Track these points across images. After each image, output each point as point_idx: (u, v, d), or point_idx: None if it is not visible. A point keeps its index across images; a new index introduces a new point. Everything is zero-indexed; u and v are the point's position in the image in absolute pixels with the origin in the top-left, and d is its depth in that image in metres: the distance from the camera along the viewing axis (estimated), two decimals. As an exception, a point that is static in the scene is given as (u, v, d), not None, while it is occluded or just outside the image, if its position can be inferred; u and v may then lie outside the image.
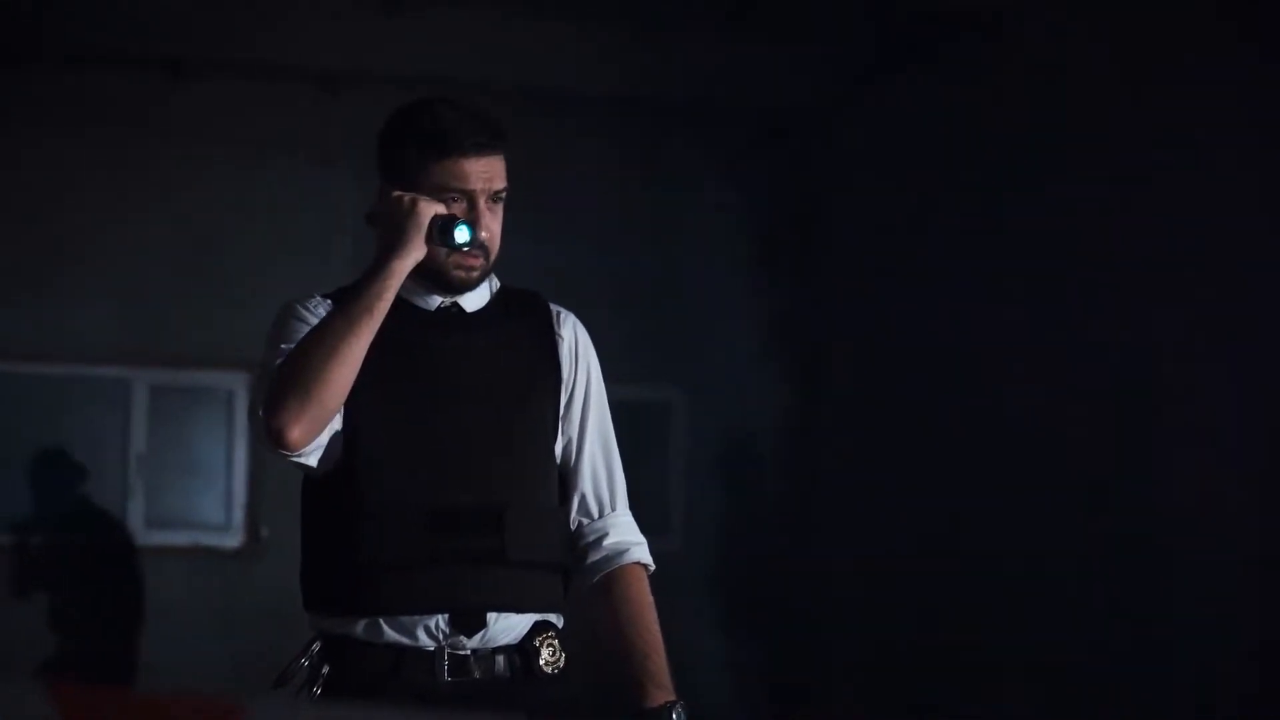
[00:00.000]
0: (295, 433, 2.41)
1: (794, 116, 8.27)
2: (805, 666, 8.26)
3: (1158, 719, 5.79)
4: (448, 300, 2.62)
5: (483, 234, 2.55)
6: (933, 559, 7.27)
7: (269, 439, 2.43)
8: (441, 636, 2.52)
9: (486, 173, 2.54)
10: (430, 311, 2.62)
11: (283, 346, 2.52)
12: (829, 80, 7.86)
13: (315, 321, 2.54)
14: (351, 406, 2.52)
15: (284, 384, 2.42)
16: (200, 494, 8.24)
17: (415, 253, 2.49)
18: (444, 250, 2.54)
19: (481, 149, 2.54)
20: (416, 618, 2.51)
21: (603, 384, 2.72)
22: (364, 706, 2.12)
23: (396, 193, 2.52)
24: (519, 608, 2.55)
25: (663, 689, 2.59)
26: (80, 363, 8.15)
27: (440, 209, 2.51)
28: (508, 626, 2.55)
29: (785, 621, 8.31)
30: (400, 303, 2.55)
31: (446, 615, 2.51)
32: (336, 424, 2.53)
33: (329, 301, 2.60)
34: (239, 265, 7.95)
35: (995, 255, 6.92)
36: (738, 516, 8.45)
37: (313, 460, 2.51)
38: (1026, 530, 6.60)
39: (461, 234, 2.51)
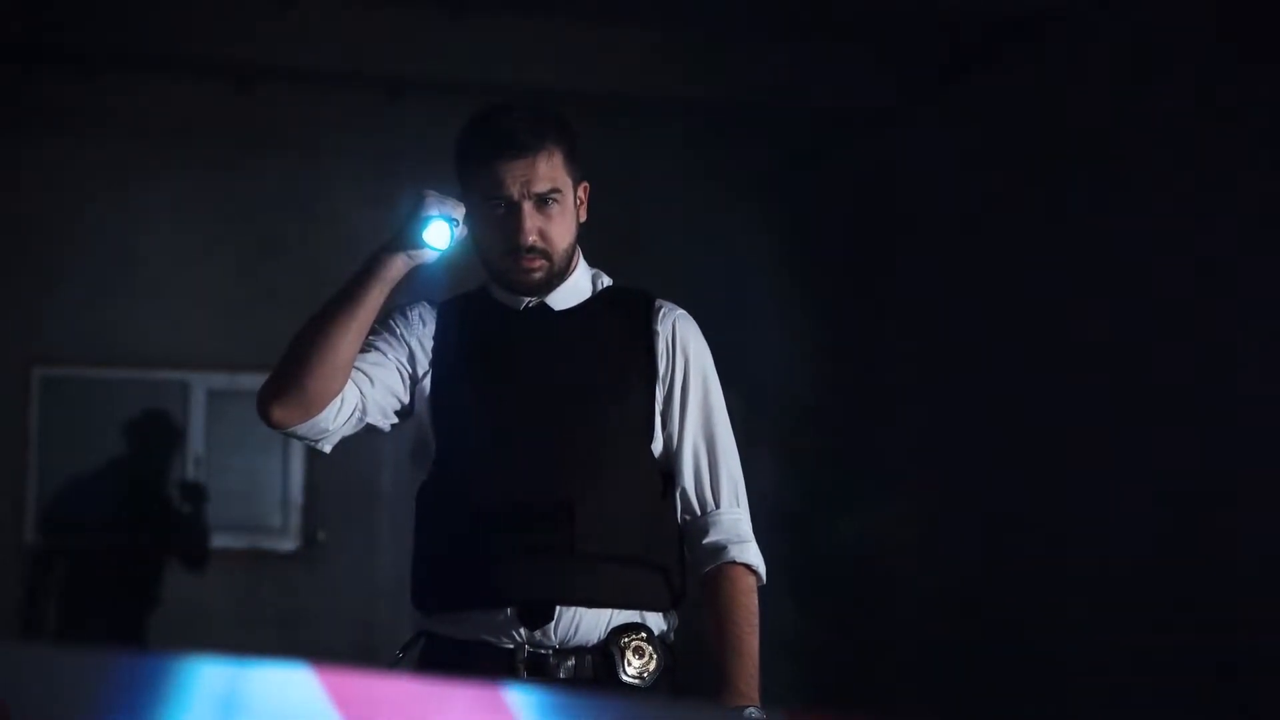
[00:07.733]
0: (276, 411, 2.49)
1: (861, 121, 8.21)
2: (874, 659, 8.20)
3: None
4: (534, 300, 2.63)
5: (530, 238, 2.54)
6: (990, 566, 7.21)
7: (259, 414, 2.52)
8: (519, 634, 2.49)
9: (524, 176, 2.52)
10: (518, 311, 2.64)
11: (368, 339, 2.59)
12: (896, 85, 7.81)
13: (407, 325, 2.64)
14: (438, 406, 2.59)
15: (276, 365, 2.51)
16: (257, 497, 8.27)
17: (403, 248, 2.51)
18: (500, 253, 2.57)
19: (517, 152, 2.52)
20: (491, 614, 2.49)
21: (712, 379, 2.69)
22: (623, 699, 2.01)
23: (427, 192, 2.54)
24: (590, 602, 2.50)
25: (737, 694, 2.50)
26: (139, 366, 8.19)
27: (454, 210, 2.52)
28: (584, 623, 2.50)
29: (854, 614, 8.24)
30: (491, 304, 2.66)
31: (516, 610, 2.48)
32: (381, 416, 2.58)
33: (431, 307, 2.67)
34: (299, 271, 7.96)
35: (1068, 260, 6.83)
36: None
37: (326, 447, 2.58)
38: (1105, 533, 6.47)
39: (434, 236, 2.50)
